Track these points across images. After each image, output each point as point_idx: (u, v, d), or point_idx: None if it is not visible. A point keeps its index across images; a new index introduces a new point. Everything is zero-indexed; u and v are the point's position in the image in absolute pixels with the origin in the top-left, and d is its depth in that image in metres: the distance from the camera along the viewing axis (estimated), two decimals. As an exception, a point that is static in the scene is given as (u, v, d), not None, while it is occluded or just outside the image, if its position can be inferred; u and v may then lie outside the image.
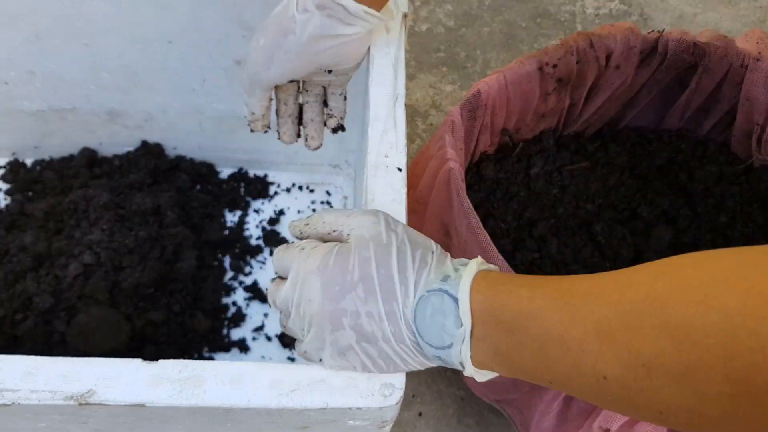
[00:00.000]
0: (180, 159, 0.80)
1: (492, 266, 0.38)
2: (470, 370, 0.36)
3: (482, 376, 0.36)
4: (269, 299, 0.42)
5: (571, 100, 0.69)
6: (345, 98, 0.55)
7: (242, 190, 0.81)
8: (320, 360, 0.39)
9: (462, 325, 0.34)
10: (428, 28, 1.03)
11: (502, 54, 1.01)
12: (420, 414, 0.73)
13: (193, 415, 0.40)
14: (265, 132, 0.56)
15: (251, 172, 0.82)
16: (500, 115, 0.67)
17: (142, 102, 0.74)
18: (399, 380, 0.39)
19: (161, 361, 0.39)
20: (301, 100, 0.56)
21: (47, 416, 0.40)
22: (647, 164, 0.74)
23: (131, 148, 0.79)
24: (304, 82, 0.54)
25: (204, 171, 0.80)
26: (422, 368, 0.39)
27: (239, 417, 0.40)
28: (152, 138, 0.78)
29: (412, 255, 0.37)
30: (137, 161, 0.77)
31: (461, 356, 0.35)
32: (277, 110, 0.56)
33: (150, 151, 0.78)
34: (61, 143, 0.78)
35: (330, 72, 0.51)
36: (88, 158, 0.77)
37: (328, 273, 0.38)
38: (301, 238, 0.43)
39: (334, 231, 0.41)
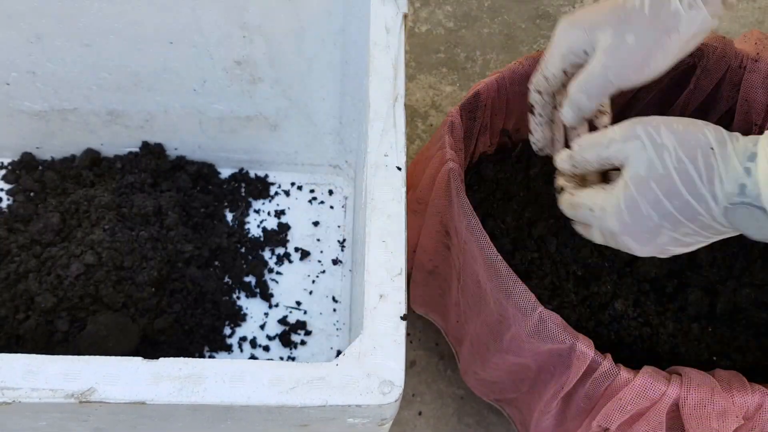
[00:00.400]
0: (181, 159, 0.80)
1: None
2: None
3: None
4: (559, 182, 0.47)
5: (570, 100, 0.69)
6: None
7: (243, 190, 0.81)
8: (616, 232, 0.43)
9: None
10: (428, 29, 1.03)
11: (502, 55, 1.01)
12: (420, 413, 0.73)
13: (193, 412, 0.40)
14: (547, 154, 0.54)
15: (252, 173, 0.82)
16: (499, 115, 0.67)
17: (143, 102, 0.74)
18: (398, 378, 0.39)
19: (161, 360, 0.39)
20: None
21: (48, 414, 0.41)
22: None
23: (132, 149, 0.79)
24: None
25: (204, 171, 0.80)
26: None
27: (239, 415, 0.40)
28: (153, 138, 0.79)
29: (695, 167, 0.38)
30: (138, 162, 0.77)
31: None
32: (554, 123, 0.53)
33: (151, 151, 0.78)
34: (63, 144, 0.78)
35: None
36: (91, 159, 0.77)
37: (631, 228, 0.41)
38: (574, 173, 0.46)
39: (605, 165, 0.43)
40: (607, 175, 0.47)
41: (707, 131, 0.39)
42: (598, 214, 0.43)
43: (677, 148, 0.39)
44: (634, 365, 0.50)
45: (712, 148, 0.38)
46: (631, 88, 0.48)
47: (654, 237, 0.41)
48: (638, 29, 0.45)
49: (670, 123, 0.40)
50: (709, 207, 0.38)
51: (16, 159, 0.79)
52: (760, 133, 0.67)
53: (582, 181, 0.48)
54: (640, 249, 0.43)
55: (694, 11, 0.44)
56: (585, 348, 0.49)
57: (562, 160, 0.46)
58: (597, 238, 0.46)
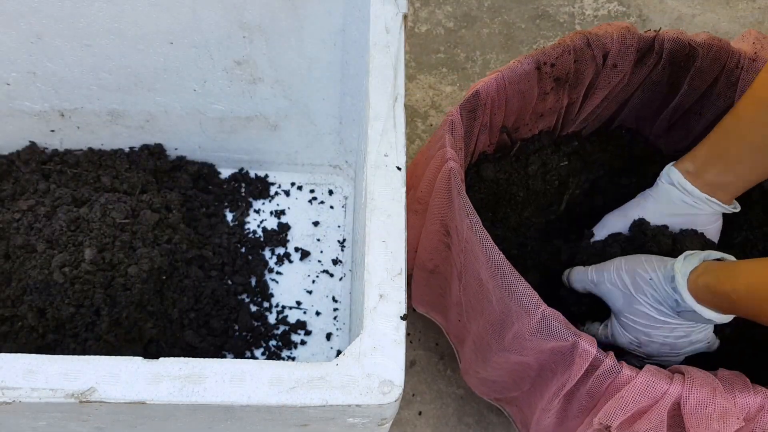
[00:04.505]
0: (181, 159, 0.80)
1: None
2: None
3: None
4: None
5: (569, 99, 0.69)
6: None
7: (243, 190, 0.81)
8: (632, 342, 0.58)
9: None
10: (428, 29, 1.03)
11: (502, 55, 1.01)
12: (420, 413, 0.73)
13: (193, 412, 0.40)
14: None
15: (252, 173, 0.82)
16: (499, 114, 0.67)
17: (143, 102, 0.74)
18: (398, 378, 0.39)
19: (162, 359, 0.39)
20: None
21: (48, 414, 0.41)
22: (642, 164, 0.75)
23: (132, 149, 0.79)
24: None
25: (205, 171, 0.80)
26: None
27: (239, 414, 0.40)
28: (153, 138, 0.79)
29: (647, 294, 0.55)
30: (138, 162, 0.77)
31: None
32: None
33: (151, 151, 0.78)
34: (63, 144, 0.78)
35: None
36: (91, 159, 0.77)
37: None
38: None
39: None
40: None
41: (646, 265, 0.56)
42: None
43: (630, 286, 0.56)
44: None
45: (650, 279, 0.55)
46: None
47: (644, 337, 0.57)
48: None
49: (620, 266, 0.58)
50: (670, 314, 0.55)
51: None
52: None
53: None
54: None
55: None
56: (587, 345, 0.49)
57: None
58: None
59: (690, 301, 0.52)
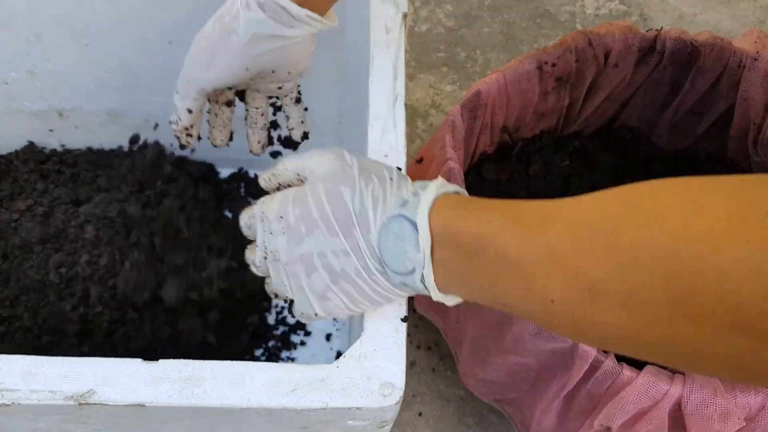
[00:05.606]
0: (180, 159, 0.80)
1: (452, 187, 0.38)
2: (436, 295, 0.36)
3: (448, 300, 0.37)
4: (250, 267, 0.43)
5: (570, 98, 0.69)
6: (298, 102, 0.55)
7: (243, 190, 0.81)
8: (315, 314, 0.40)
9: (420, 250, 0.34)
10: (428, 28, 1.03)
11: (502, 54, 1.01)
12: (420, 414, 0.73)
13: (193, 415, 0.40)
14: (192, 149, 0.55)
15: (251, 172, 0.82)
16: (500, 114, 0.67)
17: (143, 102, 0.73)
18: (399, 380, 0.39)
19: (161, 361, 0.39)
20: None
21: (47, 416, 0.40)
22: (644, 164, 0.74)
23: (132, 148, 0.79)
24: (245, 94, 0.54)
25: (204, 171, 0.80)
26: (397, 299, 0.39)
27: (239, 417, 0.40)
28: (152, 138, 0.78)
29: (367, 184, 0.37)
30: (137, 162, 0.77)
31: (425, 281, 0.35)
32: (209, 119, 0.56)
33: (150, 151, 0.78)
34: (61, 144, 0.78)
35: (273, 78, 0.51)
36: (90, 159, 0.77)
37: (288, 219, 0.38)
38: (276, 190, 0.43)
39: (298, 176, 0.41)
40: None
41: (396, 169, 0.41)
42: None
43: (359, 168, 0.38)
44: (637, 364, 0.50)
45: (391, 179, 0.38)
46: (213, 86, 0.50)
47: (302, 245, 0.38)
48: (208, 35, 0.48)
49: (362, 156, 0.41)
50: (368, 222, 0.36)
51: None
52: (759, 131, 0.67)
53: None
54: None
55: (251, 14, 0.45)
56: (587, 347, 0.49)
57: (264, 178, 0.44)
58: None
59: None
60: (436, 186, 0.37)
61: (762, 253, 0.22)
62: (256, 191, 0.81)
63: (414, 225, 0.35)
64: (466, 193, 0.40)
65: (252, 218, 0.42)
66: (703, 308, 0.24)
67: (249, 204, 0.79)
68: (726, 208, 0.24)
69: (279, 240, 0.39)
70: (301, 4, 0.45)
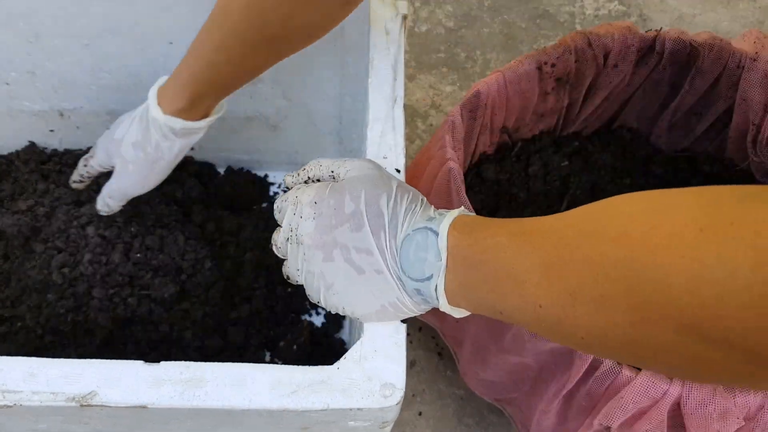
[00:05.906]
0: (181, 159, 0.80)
1: (472, 214, 0.41)
2: (445, 304, 0.38)
3: (456, 312, 0.39)
4: (272, 246, 0.45)
5: (569, 99, 0.69)
6: None
7: (242, 189, 0.81)
8: (319, 301, 0.42)
9: (441, 258, 0.37)
10: (428, 29, 1.03)
11: (502, 55, 1.01)
12: (420, 413, 0.73)
13: (194, 416, 0.40)
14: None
15: (251, 172, 0.82)
16: (500, 114, 0.67)
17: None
18: (399, 380, 0.39)
19: (163, 363, 0.39)
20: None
21: (48, 417, 0.41)
22: (643, 164, 0.75)
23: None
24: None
25: (205, 171, 0.80)
26: (394, 314, 0.41)
27: (240, 418, 0.40)
28: (152, 138, 0.78)
29: (402, 197, 0.40)
30: (137, 162, 0.77)
31: (438, 289, 0.38)
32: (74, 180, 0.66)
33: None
34: (62, 144, 0.78)
35: None
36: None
37: (321, 206, 0.41)
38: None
39: (331, 173, 0.44)
40: None
41: (423, 196, 0.42)
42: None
43: (396, 182, 0.41)
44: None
45: (421, 200, 0.41)
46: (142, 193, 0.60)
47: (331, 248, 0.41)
48: (135, 163, 0.57)
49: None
50: (396, 228, 0.39)
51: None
52: (757, 131, 0.68)
53: None
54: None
55: (170, 142, 0.55)
56: (586, 348, 0.49)
57: (292, 174, 0.48)
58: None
59: None
60: (459, 210, 0.40)
61: (697, 265, 0.25)
62: (256, 191, 0.81)
63: (436, 235, 0.38)
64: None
65: (285, 201, 0.44)
66: (656, 313, 0.27)
67: (249, 204, 0.80)
68: (672, 224, 0.27)
69: (307, 224, 0.41)
70: (202, 111, 0.55)
